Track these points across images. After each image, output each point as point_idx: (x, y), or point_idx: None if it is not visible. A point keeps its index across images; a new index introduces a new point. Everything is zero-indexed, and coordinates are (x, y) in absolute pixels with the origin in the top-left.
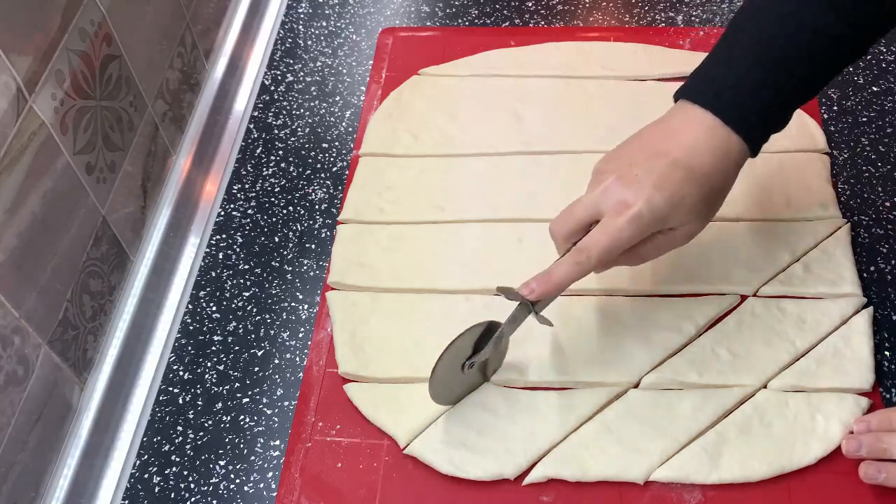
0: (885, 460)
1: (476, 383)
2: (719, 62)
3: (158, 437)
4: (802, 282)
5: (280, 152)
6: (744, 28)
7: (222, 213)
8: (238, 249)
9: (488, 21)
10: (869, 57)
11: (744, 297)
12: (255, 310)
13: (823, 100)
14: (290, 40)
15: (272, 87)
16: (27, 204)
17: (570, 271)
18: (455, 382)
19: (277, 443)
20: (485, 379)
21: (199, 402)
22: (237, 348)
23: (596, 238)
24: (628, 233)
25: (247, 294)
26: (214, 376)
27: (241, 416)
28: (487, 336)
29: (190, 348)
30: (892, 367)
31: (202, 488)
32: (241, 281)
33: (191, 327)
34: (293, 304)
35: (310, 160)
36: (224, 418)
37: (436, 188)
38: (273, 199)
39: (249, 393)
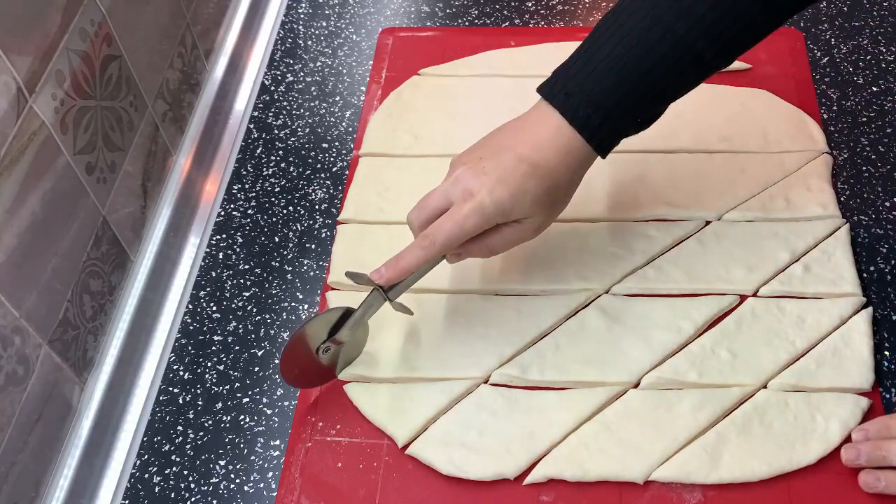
0: (884, 468)
1: (327, 373)
2: (576, 61)
3: (158, 437)
4: (802, 282)
5: (280, 152)
6: (604, 30)
7: (222, 213)
8: (238, 249)
9: (488, 21)
10: (868, 57)
11: (744, 297)
12: (255, 310)
13: (823, 100)
14: (290, 40)
15: (272, 87)
16: (27, 204)
17: (417, 255)
18: (309, 365)
19: (277, 443)
20: (337, 372)
21: (199, 402)
22: (237, 348)
23: (440, 224)
24: (472, 221)
25: (247, 294)
26: (214, 376)
27: (241, 416)
28: (343, 323)
29: (190, 348)
30: (892, 367)
31: (202, 488)
32: (241, 281)
33: (191, 327)
34: (293, 304)
35: (310, 160)
36: (224, 418)
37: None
38: (273, 199)
39: (249, 393)
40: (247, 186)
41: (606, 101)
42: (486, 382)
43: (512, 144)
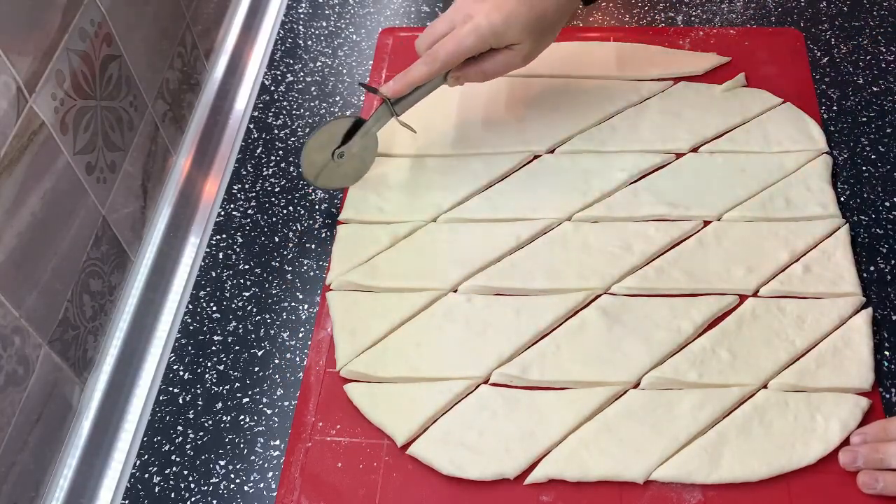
0: (882, 469)
1: (349, 172)
2: None
3: (158, 437)
4: (802, 282)
5: (280, 152)
6: None
7: (222, 213)
8: (238, 249)
9: None
10: (869, 57)
11: (743, 297)
12: (255, 310)
13: (823, 100)
14: (290, 40)
15: (272, 87)
16: (27, 204)
17: (421, 70)
18: (325, 167)
19: (277, 443)
20: (356, 175)
21: (199, 402)
22: (237, 348)
23: (443, 43)
24: (470, 40)
25: (247, 294)
26: (214, 376)
27: (241, 416)
28: (355, 130)
29: (190, 348)
30: (892, 367)
31: (202, 488)
32: (241, 281)
33: (191, 327)
34: (293, 304)
35: None
36: (224, 418)
37: (436, 188)
38: (273, 199)
39: (249, 393)
40: (247, 186)
41: None
42: (486, 382)
43: None
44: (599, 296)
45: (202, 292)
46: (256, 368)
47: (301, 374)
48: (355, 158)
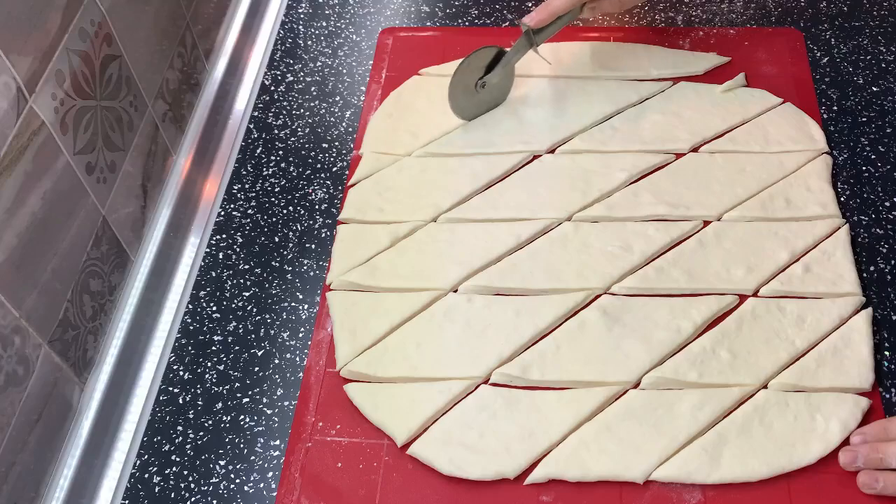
0: (882, 469)
1: (488, 102)
2: None
3: (158, 437)
4: (802, 282)
5: (280, 152)
6: None
7: (222, 213)
8: (238, 249)
9: (488, 21)
10: (869, 57)
11: (743, 297)
12: (255, 310)
13: (823, 100)
14: (290, 40)
15: (272, 87)
16: (27, 204)
17: (563, 0)
18: (470, 99)
19: (277, 443)
20: (495, 104)
21: (199, 402)
22: (237, 348)
23: None
24: None
25: (247, 294)
26: (214, 376)
27: (241, 416)
28: (496, 62)
29: (190, 348)
30: (892, 367)
31: (202, 488)
32: (241, 281)
33: (191, 327)
34: (293, 304)
35: (310, 160)
36: (224, 418)
37: (436, 188)
38: (273, 199)
39: (249, 393)
40: (247, 186)
41: None
42: (486, 382)
43: None
44: (599, 296)
45: (202, 292)
46: (256, 368)
47: (301, 374)
48: (495, 88)
